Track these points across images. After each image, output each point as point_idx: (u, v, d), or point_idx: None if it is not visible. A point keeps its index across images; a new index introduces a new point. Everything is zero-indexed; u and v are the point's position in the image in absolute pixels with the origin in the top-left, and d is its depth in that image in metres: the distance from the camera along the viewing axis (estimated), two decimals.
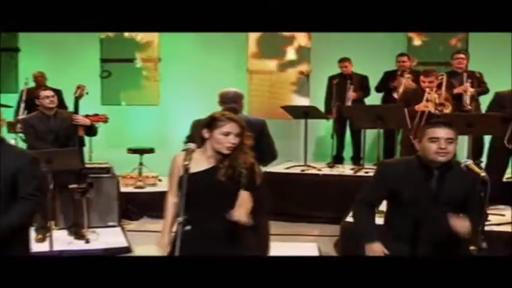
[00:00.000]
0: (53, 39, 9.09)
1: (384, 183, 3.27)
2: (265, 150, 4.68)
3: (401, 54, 7.94)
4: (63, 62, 9.17)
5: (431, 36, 8.72)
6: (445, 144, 3.04)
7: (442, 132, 3.06)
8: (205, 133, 3.10)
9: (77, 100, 5.77)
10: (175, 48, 9.31)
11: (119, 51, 9.55)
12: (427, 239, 3.12)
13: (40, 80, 8.21)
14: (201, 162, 3.07)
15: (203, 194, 3.01)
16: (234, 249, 3.07)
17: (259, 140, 4.68)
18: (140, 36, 9.45)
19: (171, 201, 3.23)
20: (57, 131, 5.66)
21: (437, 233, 3.08)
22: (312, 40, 9.09)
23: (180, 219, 2.86)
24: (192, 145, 3.07)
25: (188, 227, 2.91)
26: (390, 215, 3.34)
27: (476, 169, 2.95)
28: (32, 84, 8.33)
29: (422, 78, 6.37)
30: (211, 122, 3.11)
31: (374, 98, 8.13)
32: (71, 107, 6.16)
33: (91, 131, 5.86)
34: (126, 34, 9.47)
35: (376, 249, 3.17)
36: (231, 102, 4.64)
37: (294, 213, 7.06)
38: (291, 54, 9.18)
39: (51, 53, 9.34)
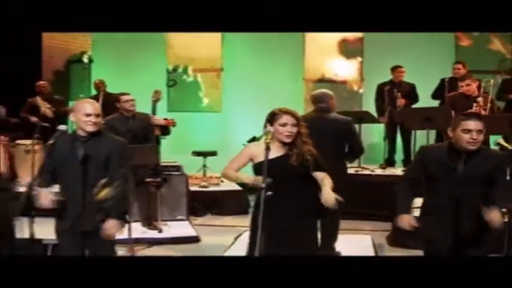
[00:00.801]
0: (122, 50, 9.90)
1: (421, 164, 3.77)
2: (353, 146, 5.34)
3: (457, 62, 8.25)
4: (132, 72, 9.78)
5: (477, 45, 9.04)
6: (476, 135, 3.49)
7: (473, 125, 3.51)
8: (269, 127, 3.68)
9: (154, 103, 6.45)
10: (236, 59, 9.87)
11: (183, 63, 10.21)
12: (455, 213, 3.56)
13: (100, 87, 8.80)
14: (273, 152, 3.61)
15: (278, 175, 3.54)
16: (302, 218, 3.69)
17: (347, 137, 5.27)
18: (204, 48, 10.10)
19: (230, 171, 3.80)
20: (136, 131, 6.26)
21: (464, 209, 3.52)
22: (364, 47, 9.56)
23: (263, 185, 3.36)
24: (270, 128, 3.65)
25: (270, 193, 3.40)
26: (426, 193, 3.81)
27: (506, 144, 3.43)
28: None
29: (459, 83, 6.74)
30: (271, 117, 3.72)
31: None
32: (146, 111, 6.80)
33: (165, 130, 6.52)
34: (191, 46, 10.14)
35: (405, 220, 3.67)
36: (320, 102, 5.23)
37: (347, 211, 7.39)
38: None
39: (121, 63, 9.99)
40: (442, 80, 8.25)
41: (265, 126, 3.74)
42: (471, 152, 3.54)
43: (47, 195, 3.55)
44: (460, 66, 8.12)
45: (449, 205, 3.56)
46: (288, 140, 3.66)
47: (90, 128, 3.68)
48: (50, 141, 3.73)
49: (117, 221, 3.62)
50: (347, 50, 9.76)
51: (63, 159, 3.68)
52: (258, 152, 3.65)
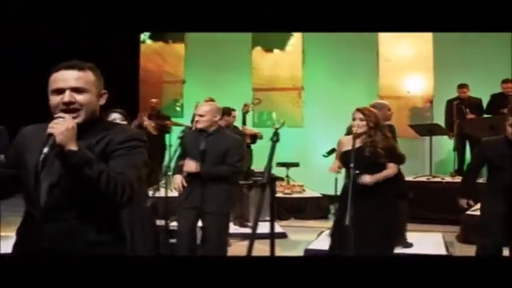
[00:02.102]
0: (211, 71, 10.94)
1: (481, 154, 4.62)
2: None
3: (505, 81, 8.71)
4: (220, 91, 10.23)
5: None
6: None
7: None
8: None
9: (244, 114, 7.40)
10: (315, 79, 10.67)
11: (267, 81, 11.16)
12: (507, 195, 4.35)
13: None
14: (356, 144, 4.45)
15: (356, 163, 4.33)
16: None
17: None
18: (287, 69, 11.01)
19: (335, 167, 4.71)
20: None
21: None
22: (434, 65, 10.14)
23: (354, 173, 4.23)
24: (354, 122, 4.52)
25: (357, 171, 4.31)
26: (488, 178, 4.66)
27: None
28: None
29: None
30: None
31: None
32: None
33: (254, 139, 7.46)
34: (275, 65, 11.06)
35: (462, 202, 4.52)
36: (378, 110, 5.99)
37: (420, 216, 7.90)
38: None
39: (210, 83, 10.84)
40: (492, 96, 8.76)
41: None
42: None
43: (178, 180, 4.55)
44: (509, 84, 8.63)
45: (507, 187, 4.36)
46: (356, 131, 4.47)
47: (198, 125, 4.65)
48: (180, 135, 4.75)
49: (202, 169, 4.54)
50: (418, 68, 10.33)
51: (188, 150, 4.66)
52: (345, 142, 4.56)
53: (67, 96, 2.22)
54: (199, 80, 11.27)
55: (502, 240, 4.46)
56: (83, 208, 2.22)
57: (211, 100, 9.67)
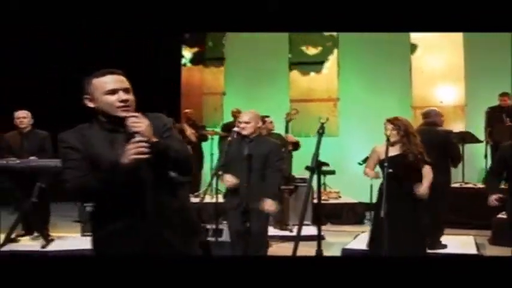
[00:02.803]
0: (250, 83, 11.44)
1: (501, 158, 5.00)
2: (452, 155, 6.40)
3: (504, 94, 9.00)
4: (259, 102, 10.83)
5: None
6: None
7: None
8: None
9: (287, 123, 7.83)
10: (350, 90, 11.11)
11: (303, 93, 11.61)
12: None
13: (236, 115, 9.80)
14: (393, 150, 5.01)
15: (394, 167, 4.88)
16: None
17: (448, 146, 6.32)
18: (322, 81, 11.44)
19: (368, 170, 5.22)
20: None
21: None
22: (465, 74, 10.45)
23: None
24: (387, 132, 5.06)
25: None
26: (508, 181, 5.02)
27: None
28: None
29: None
30: None
31: None
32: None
33: (296, 147, 7.89)
34: (311, 79, 11.51)
35: (492, 198, 4.91)
36: (427, 117, 6.38)
37: (452, 221, 7.98)
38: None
39: (250, 95, 11.42)
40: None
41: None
42: None
43: (229, 178, 5.02)
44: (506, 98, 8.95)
45: None
46: (390, 140, 5.04)
47: (243, 132, 5.13)
48: (229, 139, 5.22)
49: (272, 200, 4.97)
50: (450, 78, 10.65)
51: (234, 154, 5.13)
52: (381, 150, 5.02)
53: (123, 95, 2.59)
54: (238, 91, 11.82)
55: None
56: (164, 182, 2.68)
57: (238, 112, 10.08)
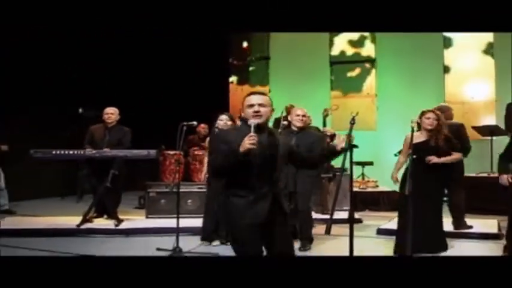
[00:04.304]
0: (293, 80, 12.27)
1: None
2: (464, 144, 7.04)
3: None
4: (302, 98, 11.28)
5: None
6: None
7: None
8: (419, 120, 5.93)
9: (324, 118, 8.64)
10: (387, 87, 11.85)
11: (343, 89, 12.39)
12: None
13: (290, 110, 10.93)
14: (421, 137, 5.86)
15: (423, 152, 5.73)
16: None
17: (460, 137, 6.95)
18: (362, 79, 12.21)
19: (402, 159, 5.99)
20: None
21: None
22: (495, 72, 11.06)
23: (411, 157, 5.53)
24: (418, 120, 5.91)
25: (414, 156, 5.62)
26: None
27: None
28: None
29: None
30: (421, 114, 6.01)
31: None
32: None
33: (333, 138, 8.69)
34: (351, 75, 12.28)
35: (504, 177, 5.56)
36: (442, 111, 7.02)
37: (480, 207, 8.87)
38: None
39: (293, 91, 12.22)
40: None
41: (418, 121, 6.05)
42: None
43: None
44: None
45: None
46: (429, 128, 5.91)
47: (298, 124, 5.99)
48: (279, 131, 6.09)
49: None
50: (481, 76, 11.29)
51: None
52: (414, 137, 5.82)
53: (256, 107, 3.71)
54: (282, 88, 12.67)
55: None
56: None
57: (292, 106, 11.09)
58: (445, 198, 6.89)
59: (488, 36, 11.10)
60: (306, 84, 12.35)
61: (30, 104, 10.45)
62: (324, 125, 8.68)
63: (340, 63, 12.65)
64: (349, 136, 7.29)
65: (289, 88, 12.52)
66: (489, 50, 11.19)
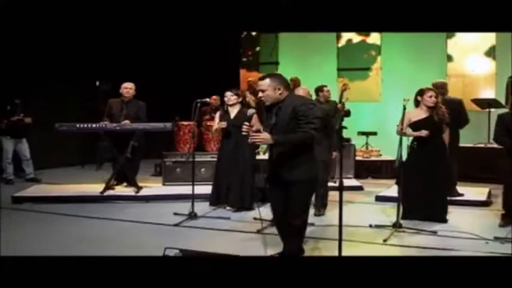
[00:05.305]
0: (301, 55, 12.68)
1: (501, 125, 6.20)
2: (461, 118, 7.59)
3: None
4: (309, 71, 12.14)
5: None
6: None
7: None
8: (419, 98, 6.41)
9: (342, 92, 8.98)
10: (392, 60, 12.21)
11: (350, 56, 12.77)
12: None
13: (295, 82, 10.70)
14: (421, 114, 6.37)
15: (425, 127, 6.26)
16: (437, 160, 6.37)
17: (458, 112, 7.47)
18: (367, 53, 12.64)
19: (400, 128, 6.40)
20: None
21: None
22: (496, 48, 11.41)
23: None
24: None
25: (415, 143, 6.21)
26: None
27: None
28: None
29: None
30: (421, 92, 6.48)
31: None
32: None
33: (348, 113, 9.15)
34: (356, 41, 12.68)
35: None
36: (438, 88, 7.40)
37: (478, 176, 9.29)
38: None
39: (301, 64, 12.67)
40: None
41: (415, 99, 6.50)
42: None
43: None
44: None
45: None
46: (431, 105, 6.40)
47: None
48: None
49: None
50: (482, 50, 11.59)
51: None
52: (413, 115, 6.38)
53: (260, 94, 4.48)
54: (290, 62, 13.08)
55: None
56: None
57: (297, 79, 10.85)
58: None
59: None
60: (313, 57, 12.71)
61: (50, 80, 11.00)
62: (340, 100, 8.98)
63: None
64: (341, 104, 7.84)
65: (297, 61, 12.91)
66: None
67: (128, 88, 8.49)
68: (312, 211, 6.33)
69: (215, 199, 7.51)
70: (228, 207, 7.36)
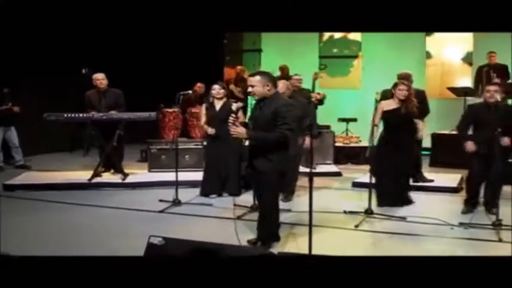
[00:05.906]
0: (285, 43, 12.92)
1: (469, 115, 6.55)
2: (424, 108, 7.85)
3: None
4: (292, 59, 12.21)
5: None
6: (493, 93, 6.20)
7: (492, 87, 6.28)
8: (393, 90, 6.73)
9: (313, 81, 9.35)
10: (372, 48, 12.50)
11: (332, 50, 13.07)
12: (487, 142, 6.18)
13: (283, 70, 11.10)
14: (392, 105, 6.70)
15: (395, 120, 6.60)
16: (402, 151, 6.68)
17: (421, 101, 7.76)
18: (349, 48, 12.89)
19: (375, 122, 6.73)
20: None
21: (492, 140, 6.02)
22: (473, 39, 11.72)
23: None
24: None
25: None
26: (474, 132, 6.54)
27: None
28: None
29: None
30: (395, 85, 6.79)
31: None
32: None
33: (321, 102, 9.50)
34: (338, 37, 12.97)
35: (470, 145, 6.42)
36: (403, 78, 7.63)
37: (453, 162, 9.38)
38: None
39: (283, 52, 12.89)
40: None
41: (391, 90, 6.86)
42: (497, 106, 6.20)
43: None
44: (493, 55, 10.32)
45: (484, 136, 6.24)
46: (402, 98, 6.74)
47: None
48: None
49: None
50: (460, 40, 11.86)
51: None
52: (385, 105, 6.73)
53: (249, 89, 4.86)
54: (274, 49, 13.33)
55: (480, 170, 6.45)
56: None
57: (285, 67, 11.27)
58: None
59: None
60: (296, 45, 12.93)
61: (37, 69, 11.17)
62: (313, 89, 9.33)
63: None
64: (313, 93, 8.13)
65: (280, 49, 13.14)
66: None
67: (100, 79, 8.71)
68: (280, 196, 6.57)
69: (209, 189, 7.73)
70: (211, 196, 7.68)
